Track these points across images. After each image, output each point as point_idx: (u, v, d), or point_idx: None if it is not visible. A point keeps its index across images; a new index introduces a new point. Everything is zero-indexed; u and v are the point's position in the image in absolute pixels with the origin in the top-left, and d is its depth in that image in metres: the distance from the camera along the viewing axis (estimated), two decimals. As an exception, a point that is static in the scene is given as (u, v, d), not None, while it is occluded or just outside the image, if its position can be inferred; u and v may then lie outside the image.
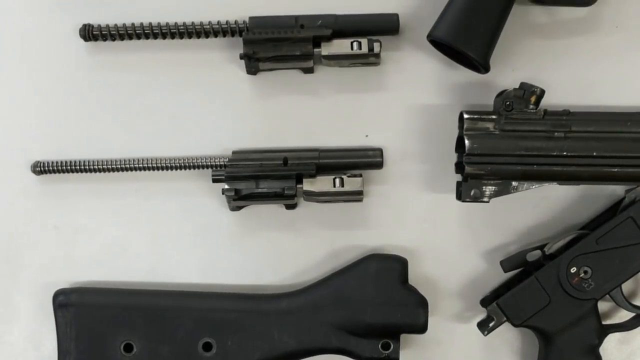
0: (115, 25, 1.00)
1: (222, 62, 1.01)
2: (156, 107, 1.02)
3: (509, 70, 1.01)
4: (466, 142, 0.93)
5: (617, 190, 0.99)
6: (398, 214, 1.02)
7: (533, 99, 0.94)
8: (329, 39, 0.97)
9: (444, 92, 1.02)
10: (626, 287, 0.97)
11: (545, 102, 0.97)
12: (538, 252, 0.96)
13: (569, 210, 1.01)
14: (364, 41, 0.97)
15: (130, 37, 1.00)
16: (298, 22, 0.98)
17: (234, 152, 1.00)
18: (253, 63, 0.98)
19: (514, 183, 0.94)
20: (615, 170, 0.92)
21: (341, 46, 0.98)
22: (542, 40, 1.02)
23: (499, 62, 1.00)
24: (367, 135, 1.02)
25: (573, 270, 0.93)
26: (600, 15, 1.01)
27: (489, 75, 0.98)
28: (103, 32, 0.99)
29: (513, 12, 0.98)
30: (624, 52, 1.01)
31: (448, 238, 1.01)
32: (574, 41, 1.02)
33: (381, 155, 0.99)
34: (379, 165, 1.00)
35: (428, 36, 0.96)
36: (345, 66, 1.00)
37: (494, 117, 0.94)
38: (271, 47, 0.97)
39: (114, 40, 1.00)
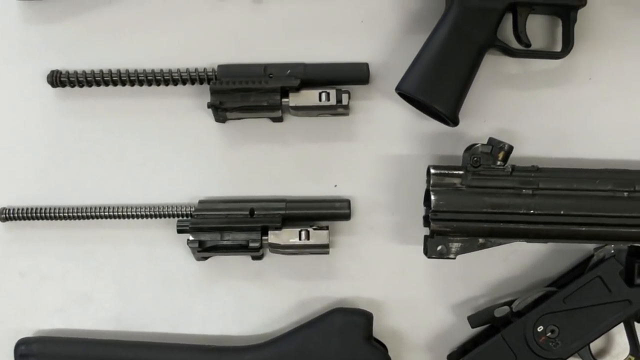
0: (84, 71, 0.99)
1: (190, 109, 1.01)
2: (124, 154, 1.01)
3: (480, 121, 1.00)
4: (432, 198, 0.92)
5: (587, 245, 0.98)
6: (366, 265, 1.00)
7: (501, 155, 0.93)
8: (297, 89, 0.96)
9: (414, 143, 1.01)
10: (595, 345, 0.96)
11: (517, 153, 0.96)
12: (506, 308, 0.94)
13: (538, 264, 1.00)
14: (333, 92, 0.96)
15: (98, 84, 0.99)
16: (267, 71, 0.98)
17: (200, 202, 0.99)
18: (221, 112, 0.97)
19: (481, 240, 0.92)
20: (583, 229, 0.91)
21: (309, 97, 0.97)
22: (514, 91, 1.01)
23: (469, 112, 0.99)
24: (336, 185, 1.01)
25: (540, 329, 0.92)
26: (574, 66, 1.00)
27: (459, 126, 0.97)
28: (71, 79, 0.99)
29: (484, 63, 0.97)
30: (596, 104, 1.00)
31: (416, 290, 1.00)
32: (546, 92, 1.01)
33: (349, 207, 0.98)
34: (346, 216, 0.99)
35: (396, 89, 0.96)
36: (314, 116, 0.99)
37: (460, 172, 0.93)
38: (238, 97, 0.96)
39: (82, 86, 0.99)
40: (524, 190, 0.92)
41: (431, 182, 0.93)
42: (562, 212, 0.91)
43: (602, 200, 0.92)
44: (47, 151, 1.01)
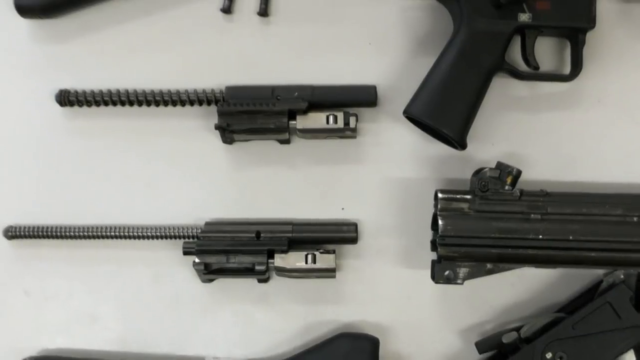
0: (92, 91, 0.99)
1: (198, 130, 1.01)
2: (130, 174, 1.01)
3: (489, 144, 1.00)
4: (440, 223, 0.91)
5: (596, 270, 0.97)
6: (372, 289, 1.00)
7: (509, 179, 0.92)
8: (304, 111, 0.96)
9: (421, 166, 1.00)
10: (604, 372, 0.95)
11: (525, 177, 0.95)
12: (514, 334, 0.93)
13: (547, 290, 0.99)
14: (340, 115, 0.96)
15: (106, 104, 0.99)
16: (274, 93, 0.97)
17: (206, 224, 0.98)
18: (228, 134, 0.97)
19: (489, 265, 0.92)
20: (593, 254, 0.90)
21: (317, 119, 0.96)
22: (523, 114, 1.00)
23: (478, 135, 0.99)
24: (343, 208, 1.00)
25: (549, 355, 0.91)
26: (582, 90, 1.00)
27: (467, 149, 0.96)
28: (79, 98, 0.99)
29: (493, 85, 0.97)
30: (605, 127, 1.00)
31: (423, 315, 0.99)
32: (554, 115, 1.00)
33: (355, 230, 0.98)
34: (353, 240, 0.98)
35: (404, 112, 0.95)
36: (321, 139, 0.99)
37: (468, 197, 0.92)
38: (246, 119, 0.96)
39: (90, 106, 0.99)
40: (532, 215, 0.91)
41: (439, 206, 0.92)
42: (571, 237, 0.90)
43: (611, 225, 0.91)
44: (54, 170, 1.01)
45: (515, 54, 0.99)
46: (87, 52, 1.01)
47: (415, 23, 1.01)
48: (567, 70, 0.99)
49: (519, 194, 0.92)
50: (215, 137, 1.00)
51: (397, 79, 1.00)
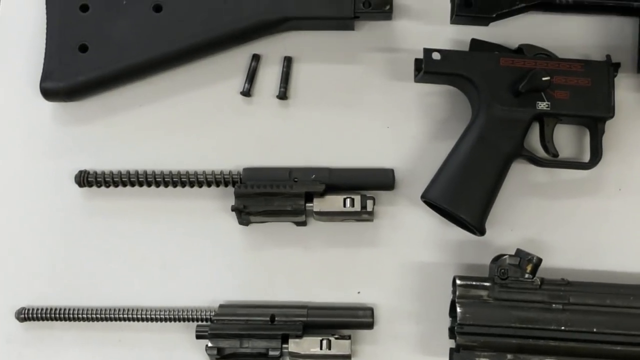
0: (111, 172, 1.00)
1: (215, 211, 1.00)
2: (147, 254, 1.00)
3: (508, 230, 0.99)
4: (458, 310, 0.89)
5: (621, 363, 0.94)
6: (389, 376, 0.97)
7: (529, 267, 0.90)
8: (321, 194, 0.96)
9: (439, 250, 0.99)
10: None
11: (545, 264, 0.93)
12: None
13: (570, 382, 0.95)
14: (357, 198, 0.96)
15: (124, 185, 1.00)
16: (292, 175, 0.98)
17: (220, 306, 0.97)
18: (244, 216, 0.97)
19: (509, 356, 0.89)
20: (618, 348, 0.87)
21: (334, 202, 0.96)
22: (543, 200, 0.99)
23: (497, 221, 0.98)
24: (359, 292, 0.99)
25: None
26: (603, 177, 0.99)
27: (486, 234, 0.95)
28: (98, 179, 1.00)
29: (512, 171, 0.97)
30: (627, 215, 0.98)
31: (441, 405, 0.96)
32: (575, 202, 0.99)
33: (372, 316, 0.96)
34: (369, 325, 0.96)
35: (422, 197, 0.95)
36: (338, 221, 0.98)
37: (487, 284, 0.90)
38: (262, 201, 0.96)
39: (108, 186, 1.00)
40: (554, 305, 0.89)
41: (457, 293, 0.90)
42: (594, 330, 0.88)
43: (637, 318, 0.88)
44: (69, 251, 1.01)
45: (534, 140, 0.99)
46: (108, 134, 1.02)
47: (433, 108, 1.01)
48: (586, 157, 0.98)
49: (539, 282, 0.90)
50: (232, 218, 0.99)
51: (415, 163, 1.00)
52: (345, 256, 1.00)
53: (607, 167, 0.98)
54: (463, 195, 0.92)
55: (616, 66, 0.97)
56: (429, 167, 0.97)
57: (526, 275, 0.90)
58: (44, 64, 0.99)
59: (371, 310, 0.96)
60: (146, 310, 0.97)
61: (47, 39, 0.99)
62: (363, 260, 0.99)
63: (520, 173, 0.99)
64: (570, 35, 1.01)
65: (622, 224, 0.98)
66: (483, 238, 0.96)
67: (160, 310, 0.97)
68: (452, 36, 1.02)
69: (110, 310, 0.98)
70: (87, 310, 0.98)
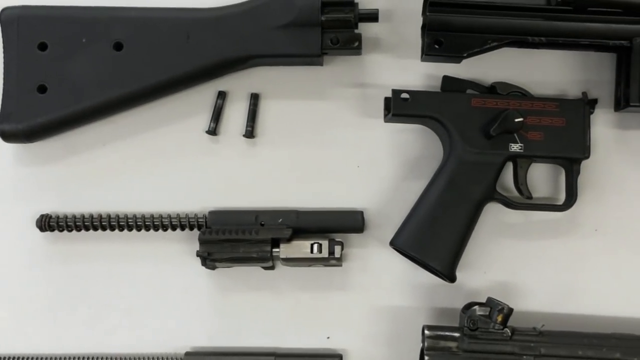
0: (73, 216, 0.97)
1: (181, 254, 0.98)
2: (110, 300, 0.98)
3: (481, 272, 0.96)
4: (426, 364, 0.87)
5: (594, 412, 0.92)
6: None
7: (500, 317, 0.88)
8: (288, 239, 0.94)
9: (410, 294, 0.96)
10: None
11: (519, 308, 0.92)
12: None
13: None
14: (325, 243, 0.93)
15: (87, 229, 0.97)
16: (258, 219, 0.95)
17: (186, 354, 0.95)
18: (210, 262, 0.94)
19: (479, 409, 0.87)
20: (589, 401, 0.86)
21: (301, 248, 0.93)
22: (516, 242, 0.96)
23: (469, 264, 0.95)
24: (328, 337, 0.97)
25: None
26: (579, 217, 0.96)
27: (458, 278, 0.92)
28: (60, 223, 0.97)
29: (485, 212, 0.94)
30: (603, 257, 0.96)
31: None
32: (550, 244, 0.96)
33: (341, 362, 0.94)
34: (338, 373, 0.94)
35: (390, 243, 0.92)
36: (305, 267, 0.96)
37: (457, 334, 0.88)
38: (228, 247, 0.93)
39: (70, 231, 0.97)
40: (524, 357, 0.87)
41: (425, 344, 0.88)
42: (565, 383, 0.86)
43: (608, 370, 0.86)
44: (34, 297, 0.98)
45: (507, 180, 0.96)
46: (71, 174, 0.99)
47: (405, 145, 0.98)
48: (562, 195, 0.95)
49: (510, 333, 0.88)
50: (198, 262, 0.96)
51: (385, 204, 0.97)
52: (314, 300, 0.97)
53: (583, 207, 0.95)
54: (432, 243, 0.90)
55: (593, 103, 0.93)
56: (399, 208, 0.95)
57: (496, 326, 0.88)
58: (1, 106, 0.95)
59: (340, 356, 0.95)
60: (113, 358, 0.96)
61: (4, 80, 0.96)
62: (332, 304, 0.97)
63: (494, 214, 0.96)
64: (546, 69, 0.98)
65: (598, 265, 0.96)
66: (455, 282, 0.94)
67: (125, 357, 0.95)
68: (425, 70, 0.98)
69: (76, 358, 0.96)
70: (49, 358, 0.96)
